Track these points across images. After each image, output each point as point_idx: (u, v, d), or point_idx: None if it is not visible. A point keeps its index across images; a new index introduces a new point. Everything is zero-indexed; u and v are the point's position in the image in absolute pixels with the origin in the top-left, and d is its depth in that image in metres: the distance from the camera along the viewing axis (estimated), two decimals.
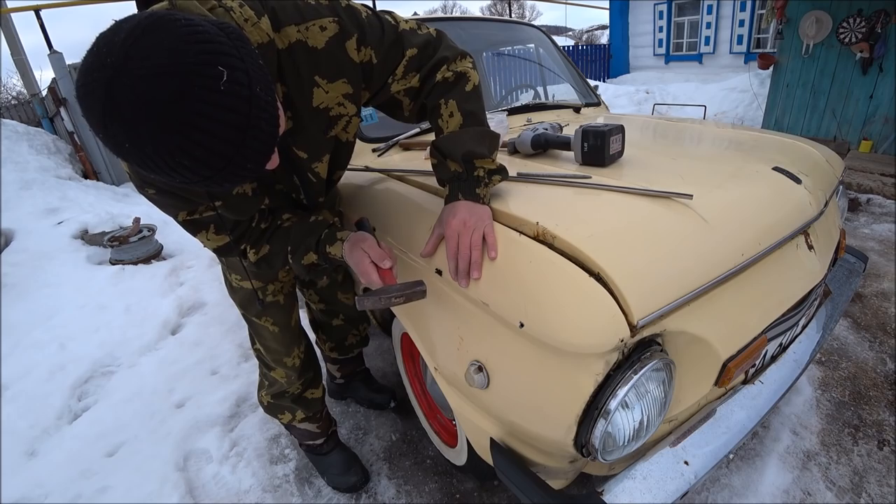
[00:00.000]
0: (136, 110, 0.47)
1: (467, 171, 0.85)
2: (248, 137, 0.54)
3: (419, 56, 0.86)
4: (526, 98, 2.33)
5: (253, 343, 1.27)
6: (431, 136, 0.93)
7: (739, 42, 8.26)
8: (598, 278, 0.71)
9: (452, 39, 0.92)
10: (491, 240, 0.81)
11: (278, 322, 1.18)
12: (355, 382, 1.71)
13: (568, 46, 10.95)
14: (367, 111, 1.41)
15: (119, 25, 0.49)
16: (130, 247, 3.09)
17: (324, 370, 1.72)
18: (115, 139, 0.50)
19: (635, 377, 0.71)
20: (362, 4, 0.83)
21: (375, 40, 0.81)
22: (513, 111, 1.63)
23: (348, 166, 1.35)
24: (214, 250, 0.91)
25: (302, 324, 1.29)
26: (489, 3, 25.79)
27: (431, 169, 0.92)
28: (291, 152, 0.85)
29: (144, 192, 0.75)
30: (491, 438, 0.88)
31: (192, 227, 0.85)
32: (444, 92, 0.87)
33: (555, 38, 2.24)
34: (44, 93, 5.16)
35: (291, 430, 1.41)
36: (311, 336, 1.52)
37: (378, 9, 0.86)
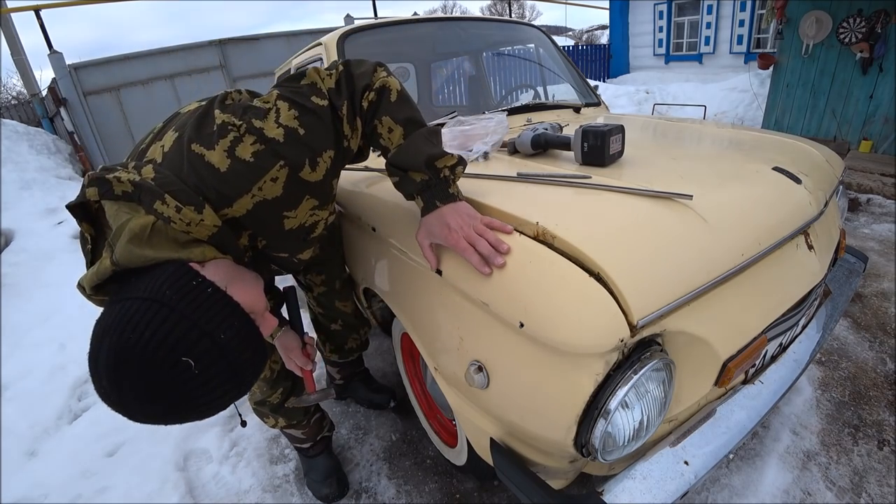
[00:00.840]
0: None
1: (433, 176, 0.82)
2: (240, 373, 0.63)
3: (350, 104, 0.80)
4: (526, 98, 2.33)
5: None
6: None
7: (739, 42, 8.25)
8: (598, 278, 0.71)
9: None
10: (496, 223, 0.81)
11: None
12: (354, 383, 1.71)
13: (568, 46, 10.95)
14: None
15: (95, 355, 0.58)
16: None
17: (319, 373, 1.73)
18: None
19: (635, 377, 0.71)
20: (289, 108, 0.74)
21: (322, 141, 0.76)
22: (513, 111, 1.63)
23: (348, 166, 1.36)
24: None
25: None
26: (489, 3, 25.78)
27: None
28: (271, 257, 0.90)
29: None
30: (491, 438, 0.88)
31: None
32: (374, 113, 0.83)
33: (555, 38, 2.24)
34: (44, 93, 5.17)
35: (282, 431, 1.40)
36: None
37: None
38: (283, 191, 0.74)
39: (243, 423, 1.04)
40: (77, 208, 0.71)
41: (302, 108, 0.75)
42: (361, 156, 0.93)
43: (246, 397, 1.35)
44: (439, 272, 0.89)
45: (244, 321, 0.66)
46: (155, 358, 0.56)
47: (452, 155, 0.84)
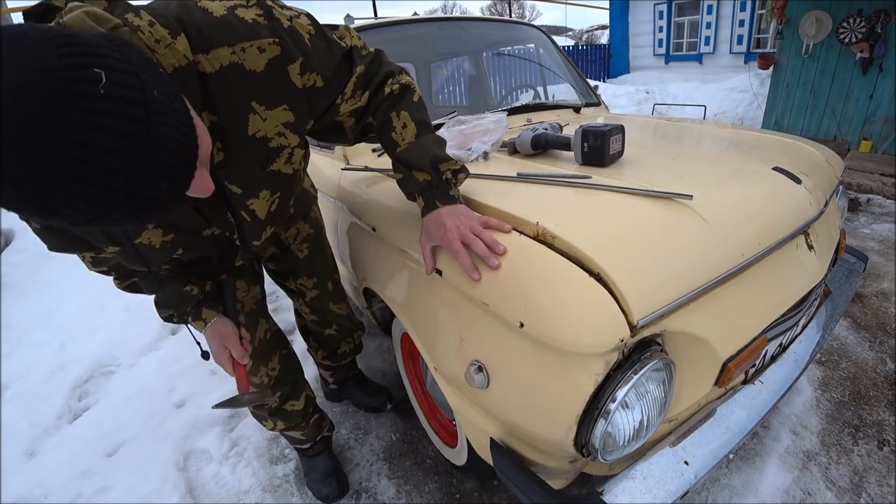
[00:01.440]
0: None
1: (436, 177, 0.84)
2: (152, 149, 0.44)
3: (367, 73, 0.83)
4: (526, 98, 2.33)
5: None
6: None
7: (739, 42, 8.26)
8: (598, 278, 0.71)
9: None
10: (493, 222, 0.82)
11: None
12: (350, 387, 1.69)
13: (568, 46, 10.95)
14: None
15: None
16: None
17: (315, 373, 1.72)
18: None
19: (635, 377, 0.71)
20: (308, 22, 0.76)
21: (321, 63, 0.76)
22: (513, 111, 1.63)
23: (348, 166, 1.36)
24: (87, 265, 0.86)
25: (278, 333, 1.24)
26: (489, 3, 25.79)
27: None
28: (224, 187, 0.78)
29: (32, 226, 0.68)
30: (491, 438, 0.88)
31: (62, 249, 0.76)
32: (394, 104, 0.86)
33: (555, 38, 2.24)
34: None
35: (281, 434, 1.38)
36: (302, 344, 1.51)
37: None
38: (265, 70, 0.68)
39: (204, 355, 0.97)
40: (37, 14, 0.55)
41: (320, 31, 0.76)
42: (343, 134, 0.92)
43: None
44: (439, 272, 0.89)
45: (184, 113, 0.50)
46: (57, 46, 0.40)
47: (457, 162, 0.87)
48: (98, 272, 0.89)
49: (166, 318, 0.98)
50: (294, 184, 0.90)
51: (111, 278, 0.94)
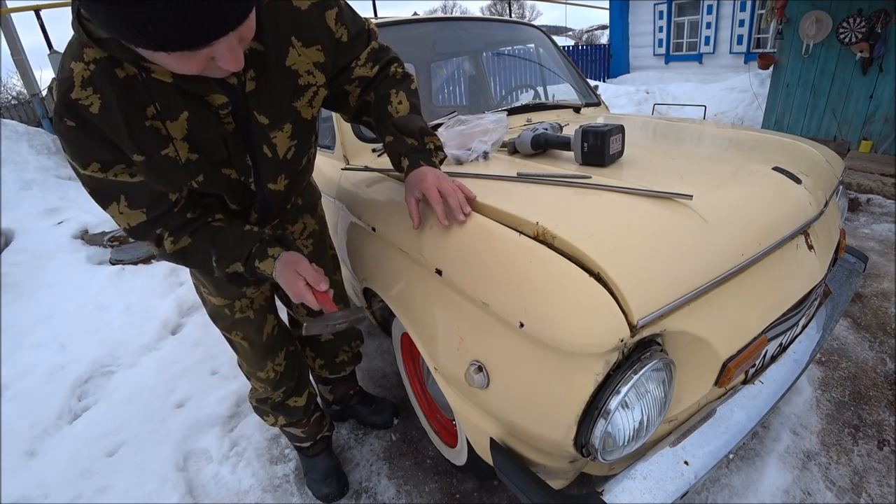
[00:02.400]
0: None
1: (421, 143, 0.94)
2: None
3: (379, 50, 0.95)
4: (526, 98, 2.33)
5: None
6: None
7: (739, 42, 8.26)
8: (598, 278, 0.71)
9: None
10: (467, 191, 0.90)
11: (248, 337, 1.16)
12: (353, 405, 1.63)
13: (568, 46, 10.95)
14: None
15: None
16: (130, 247, 3.09)
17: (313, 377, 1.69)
18: None
19: (635, 377, 0.71)
20: None
21: (350, 21, 0.87)
22: (513, 111, 1.63)
23: (348, 166, 1.36)
24: (129, 231, 0.83)
25: (285, 330, 1.26)
26: (489, 3, 25.79)
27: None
28: (252, 118, 0.81)
29: (62, 123, 0.69)
30: (491, 438, 0.88)
31: (103, 192, 0.77)
32: (395, 84, 0.97)
33: (555, 38, 2.24)
34: (44, 93, 5.17)
35: (282, 430, 1.39)
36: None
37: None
38: (308, 9, 0.79)
39: (291, 322, 0.89)
40: None
41: (349, 5, 0.90)
42: (346, 104, 0.98)
43: (248, 396, 1.36)
44: (439, 272, 0.89)
45: None
46: None
47: (439, 139, 0.99)
48: (137, 231, 0.82)
49: (232, 277, 0.88)
50: (309, 135, 0.95)
51: (162, 245, 0.85)
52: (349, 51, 0.89)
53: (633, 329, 0.68)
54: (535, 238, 0.79)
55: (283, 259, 0.86)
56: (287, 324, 1.33)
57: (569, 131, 1.19)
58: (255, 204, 0.96)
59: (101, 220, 3.51)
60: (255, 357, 1.19)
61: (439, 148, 0.98)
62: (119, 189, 0.77)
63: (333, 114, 1.40)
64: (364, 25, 0.92)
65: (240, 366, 1.27)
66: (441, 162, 0.97)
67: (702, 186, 0.93)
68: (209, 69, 0.61)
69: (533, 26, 2.18)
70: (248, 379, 1.27)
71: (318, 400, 1.49)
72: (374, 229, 1.14)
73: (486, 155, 1.23)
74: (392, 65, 0.98)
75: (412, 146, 0.93)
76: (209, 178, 0.83)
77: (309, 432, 1.38)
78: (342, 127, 1.41)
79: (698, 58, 9.06)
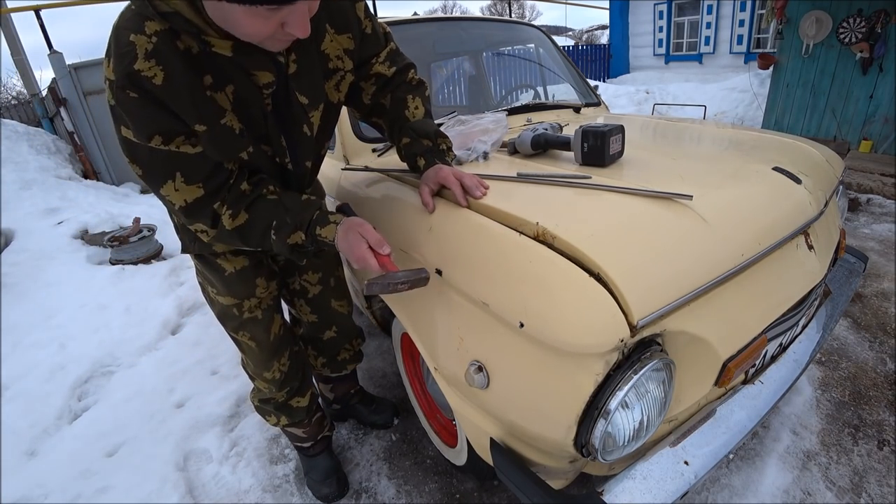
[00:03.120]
0: None
1: (436, 144, 1.02)
2: None
3: (396, 52, 1.02)
4: (526, 98, 2.33)
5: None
6: None
7: (739, 42, 8.26)
8: (598, 278, 0.71)
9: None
10: (482, 181, 0.96)
11: (256, 338, 1.15)
12: (353, 405, 1.63)
13: (568, 46, 10.95)
14: None
15: None
16: (130, 247, 3.09)
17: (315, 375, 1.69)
18: None
19: (635, 377, 0.71)
20: None
21: (373, 19, 0.96)
22: (513, 111, 1.63)
23: (348, 166, 1.36)
24: (185, 209, 0.80)
25: (290, 330, 1.26)
26: (489, 3, 25.78)
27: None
28: (293, 97, 0.85)
29: (124, 94, 0.68)
30: (491, 438, 0.88)
31: (160, 169, 0.76)
32: (412, 90, 1.04)
33: (555, 38, 2.24)
34: (44, 93, 5.16)
35: (283, 430, 1.39)
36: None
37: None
38: None
39: (368, 287, 0.80)
40: None
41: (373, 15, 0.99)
42: (360, 100, 1.03)
43: (249, 396, 1.35)
44: (439, 272, 0.89)
45: None
46: None
47: (449, 140, 1.07)
48: (193, 209, 0.80)
49: (293, 248, 0.86)
50: (334, 121, 1.01)
51: (218, 224, 0.82)
52: (372, 46, 0.96)
53: (633, 329, 0.68)
54: (535, 238, 0.79)
55: (347, 224, 0.85)
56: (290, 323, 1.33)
57: (569, 131, 1.19)
58: (292, 183, 0.98)
59: (101, 220, 3.52)
60: (263, 357, 1.19)
61: (450, 149, 1.06)
62: (178, 163, 0.76)
63: None
64: (383, 28, 0.99)
65: (244, 366, 1.27)
66: (452, 161, 1.05)
67: (702, 186, 0.93)
68: (273, 38, 0.67)
69: (533, 26, 2.18)
70: (253, 380, 1.27)
71: (319, 400, 1.49)
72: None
73: (485, 155, 1.23)
74: (409, 70, 1.04)
75: (428, 147, 1.01)
76: (255, 151, 0.86)
77: (310, 432, 1.38)
78: (342, 127, 1.41)
79: (698, 58, 9.06)
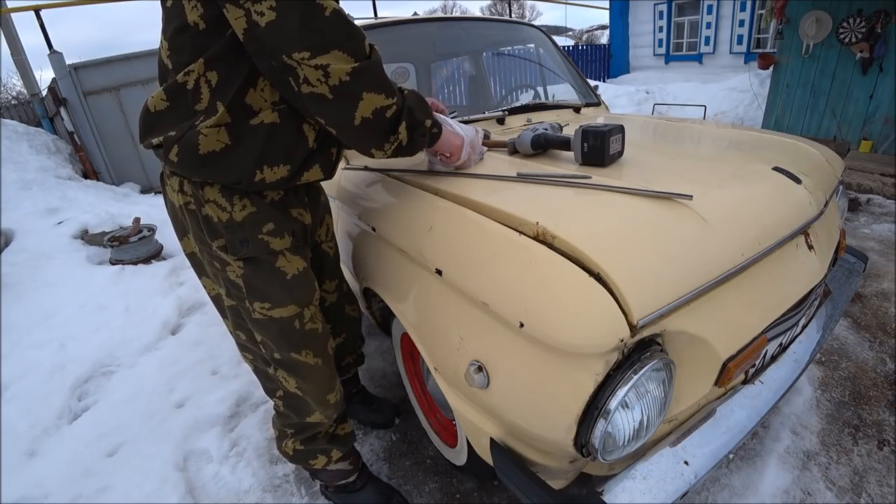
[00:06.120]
0: None
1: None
2: None
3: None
4: (526, 98, 2.33)
5: (274, 393, 1.09)
6: None
7: (739, 42, 8.26)
8: (598, 278, 0.70)
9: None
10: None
11: (319, 353, 1.02)
12: (354, 405, 1.63)
13: (568, 46, 10.95)
14: None
15: None
16: (130, 247, 3.09)
17: None
18: None
19: (635, 377, 0.71)
20: None
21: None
22: (513, 111, 1.63)
23: (348, 166, 1.36)
24: (351, 76, 0.72)
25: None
26: (489, 3, 25.79)
27: (428, 168, 0.97)
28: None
29: None
30: (491, 438, 0.88)
31: (332, 28, 0.72)
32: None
33: (555, 38, 2.24)
34: (44, 93, 5.16)
35: (320, 474, 1.25)
36: None
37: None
38: None
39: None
40: None
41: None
42: None
43: (278, 448, 1.20)
44: (439, 272, 0.89)
45: None
46: None
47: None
48: (361, 74, 0.74)
49: (420, 136, 0.89)
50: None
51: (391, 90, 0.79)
52: None
53: (633, 329, 0.68)
54: (535, 238, 0.79)
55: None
56: None
57: (569, 131, 1.19)
58: None
59: (101, 220, 3.52)
60: (328, 375, 1.05)
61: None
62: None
63: None
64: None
65: (294, 403, 1.07)
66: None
67: (702, 186, 0.93)
68: None
69: (533, 26, 2.18)
70: (309, 416, 1.08)
71: None
72: (374, 229, 1.14)
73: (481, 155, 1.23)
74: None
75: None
76: None
77: (355, 461, 1.26)
78: None
79: (698, 58, 9.06)
